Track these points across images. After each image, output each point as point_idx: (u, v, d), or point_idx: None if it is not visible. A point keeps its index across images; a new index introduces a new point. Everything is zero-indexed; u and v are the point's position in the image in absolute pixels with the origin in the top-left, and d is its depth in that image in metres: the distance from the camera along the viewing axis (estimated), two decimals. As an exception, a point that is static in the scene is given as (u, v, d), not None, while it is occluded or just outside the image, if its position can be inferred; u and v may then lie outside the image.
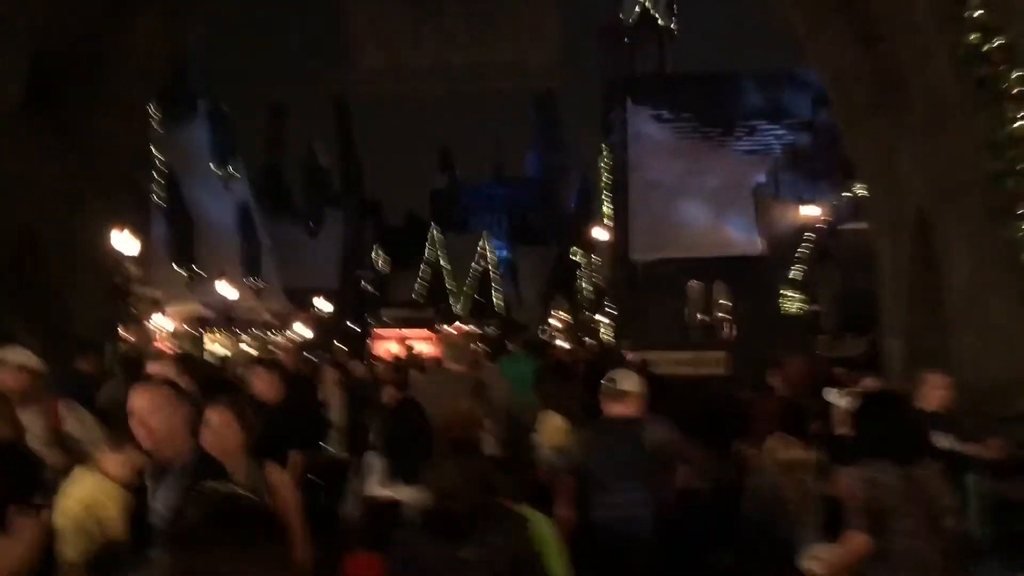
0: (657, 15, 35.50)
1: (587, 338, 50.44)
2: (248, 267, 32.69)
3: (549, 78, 7.89)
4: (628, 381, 4.49)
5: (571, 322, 62.16)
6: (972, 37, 6.25)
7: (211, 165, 32.70)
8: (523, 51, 7.80)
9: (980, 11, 6.16)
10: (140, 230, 23.02)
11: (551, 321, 64.12)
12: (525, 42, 7.81)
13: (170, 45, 9.34)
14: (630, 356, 14.66)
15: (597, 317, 44.67)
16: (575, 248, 63.13)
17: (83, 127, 8.76)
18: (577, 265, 61.15)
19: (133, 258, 20.81)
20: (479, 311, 57.88)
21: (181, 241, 27.57)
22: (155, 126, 23.35)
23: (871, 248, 9.25)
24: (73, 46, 8.27)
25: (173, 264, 26.90)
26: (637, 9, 34.91)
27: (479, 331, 52.81)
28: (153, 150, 23.61)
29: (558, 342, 53.30)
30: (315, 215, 47.45)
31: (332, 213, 47.49)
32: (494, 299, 62.10)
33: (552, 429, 5.54)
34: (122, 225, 15.11)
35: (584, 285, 55.88)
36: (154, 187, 24.14)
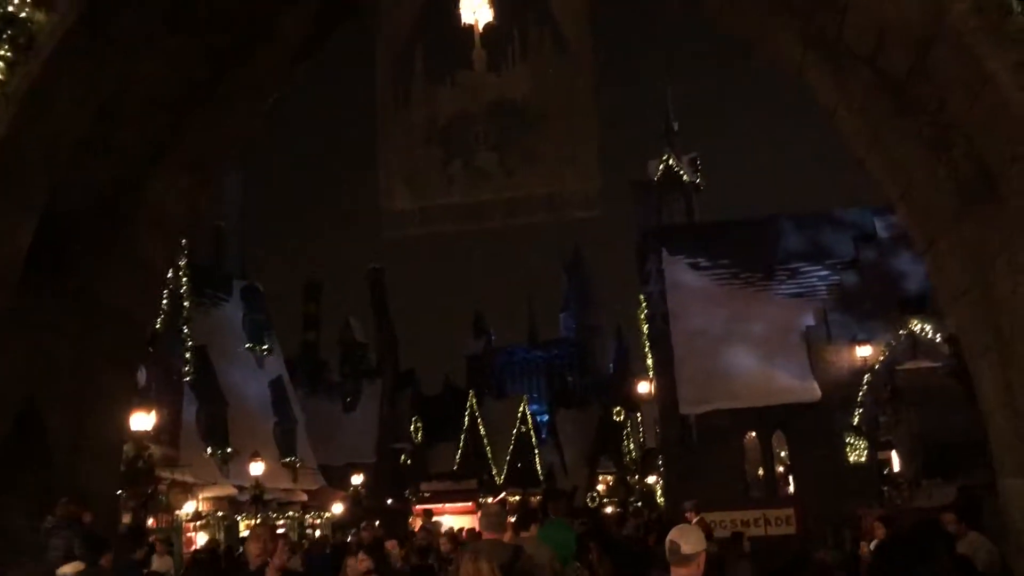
0: (681, 171, 35.82)
1: (636, 501, 48.26)
2: (283, 446, 31.73)
3: (586, 208, 7.21)
4: (691, 542, 4.23)
5: (618, 485, 59.85)
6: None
7: (245, 344, 32.46)
8: (558, 181, 7.17)
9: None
10: (170, 411, 22.43)
11: (598, 487, 61.85)
12: (560, 172, 7.18)
13: (190, 207, 8.87)
14: (693, 519, 13.37)
15: (649, 479, 42.70)
16: (618, 408, 61.72)
17: (95, 295, 8.15)
18: (621, 425, 59.49)
19: (161, 440, 20.10)
20: (521, 479, 55.97)
21: (213, 422, 26.84)
22: (185, 304, 23.16)
23: (969, 377, 8.15)
24: (84, 206, 7.79)
25: (206, 446, 26.06)
26: (661, 167, 35.31)
27: (520, 500, 50.88)
28: (185, 329, 23.33)
29: (608, 509, 51.12)
30: (352, 390, 46.85)
31: (368, 387, 46.91)
32: (537, 465, 60.11)
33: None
34: (143, 404, 14.45)
35: (630, 446, 54.03)
36: (186, 367, 23.70)
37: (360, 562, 6.61)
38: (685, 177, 35.23)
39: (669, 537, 4.29)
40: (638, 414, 49.20)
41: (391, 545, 8.11)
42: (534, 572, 5.95)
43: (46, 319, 7.85)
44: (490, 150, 7.52)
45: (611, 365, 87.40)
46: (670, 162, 35.27)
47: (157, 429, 20.14)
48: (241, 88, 8.63)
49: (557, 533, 7.75)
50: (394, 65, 7.77)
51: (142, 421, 14.11)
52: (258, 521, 25.73)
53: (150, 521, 18.79)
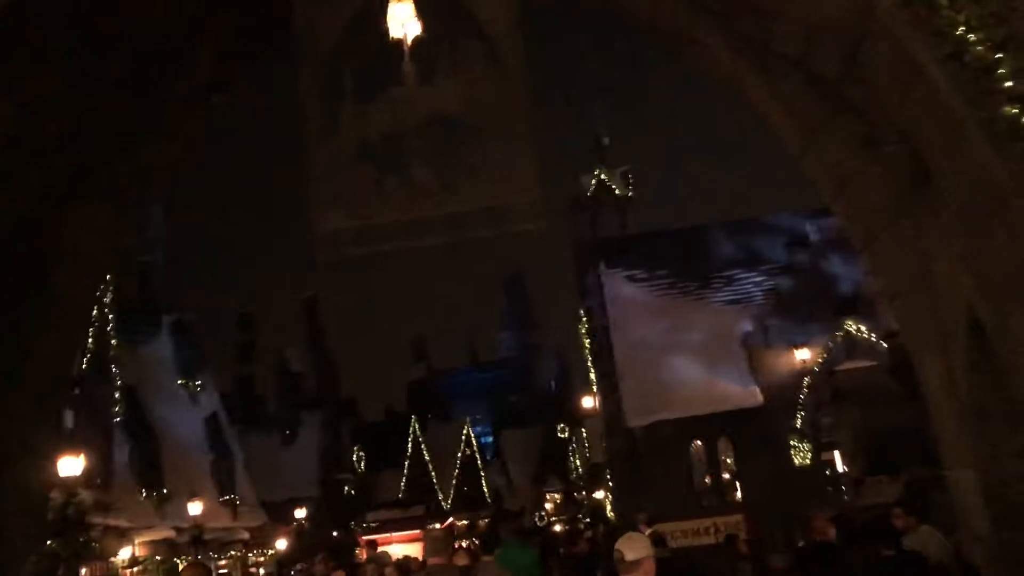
0: (613, 185, 36.15)
1: (585, 518, 48.15)
2: (221, 484, 30.81)
3: (529, 219, 7.04)
4: (634, 549, 4.45)
5: (566, 502, 59.75)
6: (1009, 110, 5.51)
7: (177, 380, 31.49)
8: (498, 194, 6.99)
9: (1012, 81, 5.46)
10: (101, 454, 21.53)
11: (546, 505, 61.66)
12: (499, 185, 7.01)
13: (111, 242, 8.44)
14: (646, 531, 13.32)
15: (597, 494, 42.64)
16: (562, 425, 61.71)
17: (13, 336, 7.68)
18: (566, 442, 59.44)
19: (92, 484, 19.23)
20: (468, 502, 55.45)
21: (147, 462, 25.88)
22: (112, 342, 22.32)
23: (909, 373, 8.21)
24: (-3, 244, 7.34)
25: (140, 488, 25.11)
26: (594, 182, 35.59)
27: (468, 524, 50.35)
28: (113, 367, 22.47)
29: (556, 527, 50.89)
30: (290, 422, 45.89)
31: (308, 418, 46.03)
32: (484, 488, 59.61)
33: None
34: (70, 447, 13.76)
35: (577, 462, 53.98)
36: (115, 407, 22.80)
37: None
38: (617, 191, 35.58)
39: (616, 546, 4.48)
40: (583, 429, 49.20)
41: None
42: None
43: (-41, 363, 7.36)
44: (426, 165, 7.30)
45: (553, 383, 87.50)
46: (602, 176, 35.59)
47: (87, 473, 19.27)
48: (157, 117, 8.26)
49: (516, 554, 7.84)
50: (318, 86, 7.51)
51: (70, 466, 13.42)
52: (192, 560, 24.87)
53: (83, 571, 17.94)
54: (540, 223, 7.26)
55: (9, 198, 7.79)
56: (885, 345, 21.27)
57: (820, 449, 21.99)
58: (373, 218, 7.37)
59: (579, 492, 56.63)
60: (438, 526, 39.28)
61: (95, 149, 8.06)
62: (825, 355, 21.89)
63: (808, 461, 21.68)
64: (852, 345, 21.86)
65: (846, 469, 21.45)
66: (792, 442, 21.73)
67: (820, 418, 22.05)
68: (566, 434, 61.48)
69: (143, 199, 9.12)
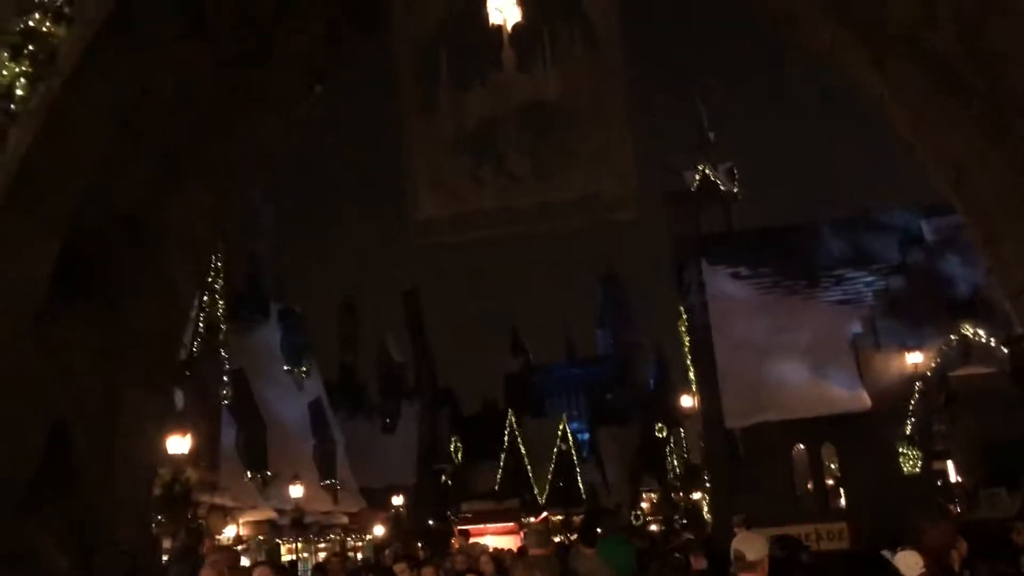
0: (718, 180, 35.26)
1: (681, 519, 47.35)
2: (323, 469, 31.56)
3: (623, 209, 6.87)
4: (755, 549, 4.47)
5: (663, 502, 58.91)
6: None
7: (283, 366, 32.41)
8: (593, 183, 6.84)
9: None
10: (208, 435, 22.34)
11: (642, 504, 60.98)
12: (595, 173, 6.86)
13: (215, 225, 8.68)
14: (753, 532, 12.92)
15: (694, 496, 41.86)
16: (660, 424, 60.82)
17: (122, 316, 7.98)
18: (664, 442, 58.55)
19: (200, 464, 19.95)
20: (563, 498, 55.27)
21: (252, 445, 26.73)
22: (222, 327, 23.12)
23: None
24: (109, 227, 7.63)
25: (245, 470, 25.95)
26: (698, 177, 34.80)
27: (562, 519, 50.12)
28: (222, 352, 23.29)
29: (652, 526, 50.25)
30: (391, 410, 46.63)
31: (407, 407, 46.67)
32: (579, 484, 59.35)
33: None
34: (180, 427, 14.29)
35: (674, 462, 53.16)
36: (224, 390, 23.63)
37: None
38: (722, 187, 34.70)
39: (733, 546, 4.49)
40: (681, 429, 48.38)
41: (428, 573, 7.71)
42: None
43: (73, 341, 7.68)
44: (521, 153, 7.22)
45: (651, 381, 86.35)
46: (706, 171, 34.77)
47: (195, 453, 20.04)
48: (260, 103, 8.45)
49: (616, 549, 8.20)
50: (417, 73, 7.52)
51: (178, 444, 13.95)
52: (221, 546, 25.49)
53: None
54: (635, 212, 7.10)
55: (119, 182, 8.11)
56: (1005, 350, 20.10)
57: (931, 457, 20.95)
58: (468, 205, 7.35)
59: (676, 493, 55.74)
60: (534, 520, 39.33)
61: (198, 133, 8.31)
62: (938, 359, 20.83)
63: (917, 470, 20.68)
64: (968, 350, 20.72)
65: (959, 479, 20.37)
66: (900, 449, 20.76)
67: (932, 425, 21.00)
68: (664, 434, 60.56)
69: (247, 185, 9.35)
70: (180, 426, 14.11)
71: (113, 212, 7.85)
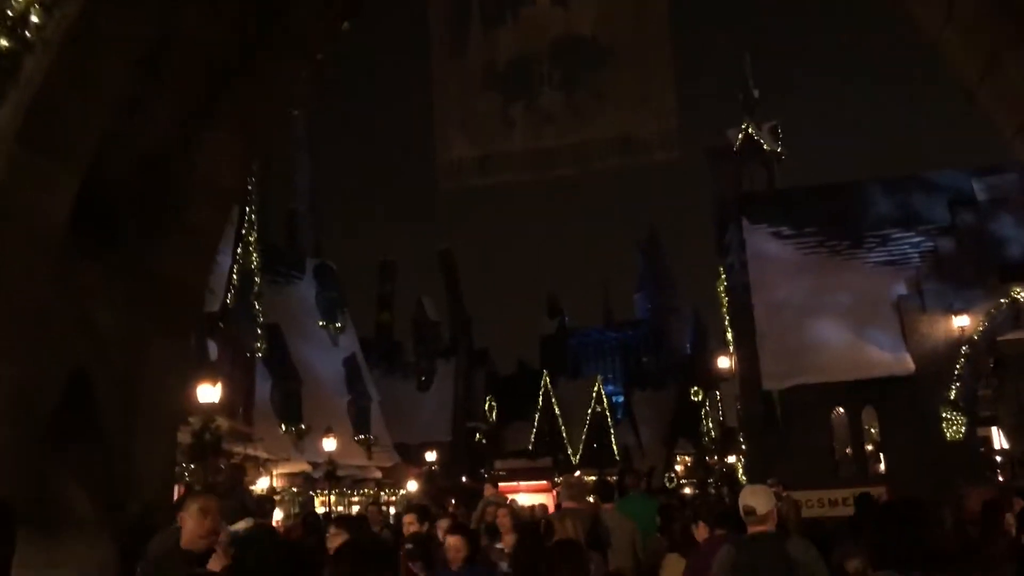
0: (762, 140, 34.43)
1: (717, 482, 47.12)
2: (357, 424, 31.74)
3: (663, 149, 6.49)
4: (764, 503, 4.53)
5: (697, 465, 58.80)
6: None
7: (319, 322, 32.53)
8: (632, 122, 6.47)
9: None
10: (243, 387, 22.48)
11: (676, 467, 60.93)
12: (633, 112, 6.49)
13: (241, 170, 8.43)
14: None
15: (729, 459, 41.55)
16: (695, 388, 60.52)
17: (144, 262, 7.79)
18: (699, 406, 58.24)
19: (234, 415, 20.07)
20: (597, 459, 55.36)
21: (287, 398, 26.89)
22: (256, 279, 23.11)
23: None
24: (130, 170, 7.41)
25: (280, 423, 26.14)
26: (741, 136, 33.97)
27: (596, 479, 50.09)
28: (256, 304, 23.32)
29: (686, 489, 50.16)
30: (426, 369, 46.82)
31: (443, 366, 46.83)
32: (613, 446, 59.40)
33: (677, 571, 5.62)
34: (210, 376, 14.27)
35: (709, 425, 52.88)
36: (258, 343, 23.71)
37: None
38: (766, 146, 33.89)
39: (742, 501, 4.56)
40: (717, 392, 47.98)
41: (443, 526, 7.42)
42: (611, 535, 6.61)
43: (93, 287, 7.51)
44: (555, 90, 6.87)
45: (688, 345, 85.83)
46: (750, 130, 33.95)
47: (229, 404, 20.15)
48: (287, 43, 8.12)
49: (637, 506, 8.39)
50: (447, 7, 7.16)
51: (208, 393, 13.93)
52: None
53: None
54: (674, 153, 6.73)
55: (141, 127, 7.87)
56: (1058, 315, 19.43)
57: (975, 424, 20.39)
58: (497, 146, 7.03)
59: (711, 456, 55.54)
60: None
61: (223, 73, 8.03)
62: (986, 323, 20.18)
63: (961, 436, 20.15)
64: (1018, 314, 20.04)
65: (1007, 446, 19.81)
66: (944, 415, 20.23)
67: (976, 390, 20.41)
68: (699, 397, 60.29)
69: (275, 126, 9.10)
70: (211, 376, 14.08)
71: (136, 155, 7.61)
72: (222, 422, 14.53)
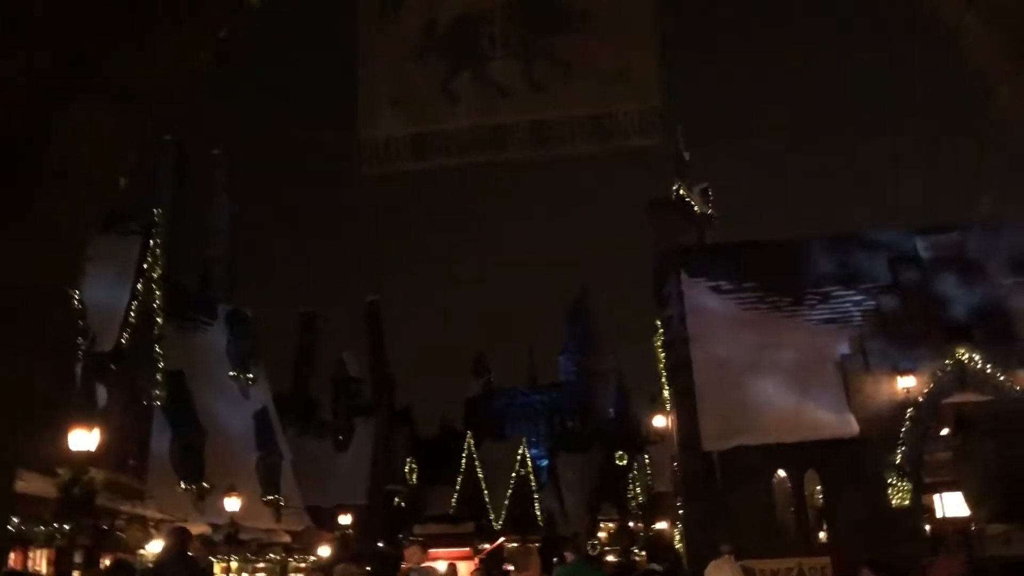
0: (692, 201, 34.09)
1: (641, 550, 45.73)
2: (266, 482, 29.41)
3: (642, 133, 5.23)
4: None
5: (620, 532, 57.46)
6: None
7: (228, 371, 30.31)
8: (605, 99, 5.19)
9: None
10: (136, 438, 20.27)
11: (599, 534, 59.56)
12: (607, 87, 5.22)
13: (114, 155, 6.83)
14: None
15: (658, 525, 40.24)
16: (620, 452, 59.57)
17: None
18: (624, 470, 57.15)
19: (125, 469, 17.87)
20: (520, 524, 53.55)
21: (189, 453, 24.58)
22: (158, 320, 21.09)
23: None
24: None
25: (179, 479, 23.80)
26: (673, 198, 33.59)
27: (518, 546, 48.22)
28: (157, 347, 21.22)
29: (609, 557, 48.60)
30: (344, 428, 44.62)
31: (362, 425, 44.74)
32: (536, 511, 57.65)
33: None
34: (85, 420, 12.32)
35: (636, 490, 51.68)
36: (156, 390, 21.52)
37: None
38: (696, 208, 33.50)
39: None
40: (646, 456, 46.87)
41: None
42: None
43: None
44: (511, 58, 5.57)
45: (611, 410, 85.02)
46: (680, 192, 33.56)
47: (116, 456, 17.98)
48: (178, 10, 6.59)
49: (583, 573, 8.46)
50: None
51: (82, 440, 11.91)
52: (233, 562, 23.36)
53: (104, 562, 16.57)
54: (656, 138, 5.49)
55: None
56: (1002, 378, 18.85)
57: (921, 490, 19.54)
58: (437, 124, 5.68)
59: (636, 522, 54.30)
60: (487, 546, 37.43)
61: (95, 41, 6.53)
62: (932, 384, 19.50)
63: (907, 502, 19.25)
64: (964, 375, 19.43)
65: (957, 514, 18.95)
66: (890, 480, 19.32)
67: (922, 454, 19.62)
68: (624, 462, 59.28)
69: (160, 108, 7.53)
70: (86, 420, 12.12)
71: None
72: (96, 474, 12.54)
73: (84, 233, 7.70)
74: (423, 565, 8.53)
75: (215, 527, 23.40)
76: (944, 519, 20.26)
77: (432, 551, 26.01)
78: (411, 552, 8.52)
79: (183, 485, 23.72)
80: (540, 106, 5.56)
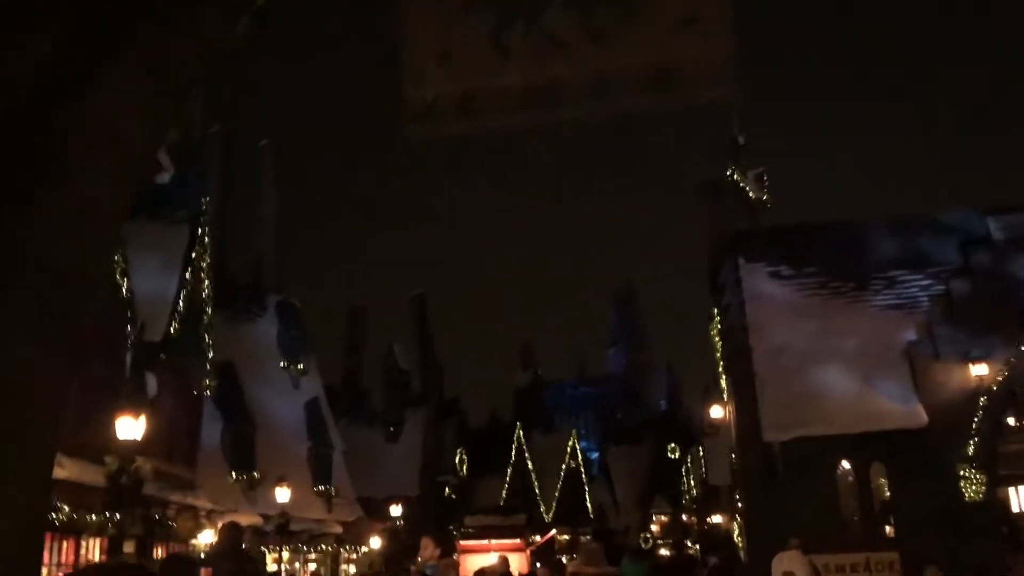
0: (747, 187, 33.09)
1: (694, 543, 44.92)
2: (317, 473, 29.34)
3: (714, 84, 4.70)
4: (804, 570, 3.77)
5: (673, 525, 56.73)
6: None
7: (279, 363, 30.27)
8: (670, 48, 4.64)
9: None
10: (187, 428, 20.23)
11: (652, 527, 58.85)
12: (673, 35, 4.67)
13: (152, 128, 6.48)
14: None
15: (714, 519, 39.43)
16: (672, 444, 58.79)
17: (14, 240, 5.77)
18: (677, 463, 56.35)
19: (174, 459, 17.79)
20: (571, 517, 53.09)
21: (240, 443, 24.54)
22: (208, 310, 20.99)
23: None
24: (2, 114, 5.46)
25: (230, 470, 23.77)
26: (728, 179, 32.64)
27: (569, 539, 47.76)
28: (206, 337, 21.13)
29: (662, 551, 47.91)
30: (395, 419, 44.57)
31: (412, 416, 44.63)
32: (587, 503, 57.12)
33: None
34: (132, 407, 12.13)
35: (691, 483, 50.82)
36: (207, 380, 21.45)
37: None
38: (752, 194, 32.55)
39: (780, 568, 4.61)
40: (700, 448, 46.04)
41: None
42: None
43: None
44: (567, 8, 5.04)
45: (662, 402, 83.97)
46: (734, 177, 32.65)
47: (167, 446, 17.91)
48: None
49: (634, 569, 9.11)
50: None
51: (129, 428, 11.73)
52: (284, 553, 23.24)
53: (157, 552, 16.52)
54: (730, 88, 4.96)
55: (22, 53, 5.96)
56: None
57: (996, 483, 18.58)
58: (486, 80, 5.21)
59: (689, 516, 53.48)
60: (539, 538, 37.02)
61: (128, 11, 6.20)
62: (1007, 372, 18.51)
63: (980, 496, 18.32)
64: (1042, 361, 18.41)
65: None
66: (961, 472, 18.40)
67: (996, 446, 18.65)
68: (676, 455, 58.48)
69: (191, 86, 7.15)
70: (133, 408, 11.93)
71: (9, 98, 5.58)
72: (144, 463, 12.36)
73: (121, 211, 7.42)
74: (437, 562, 7.82)
75: (266, 518, 23.36)
76: (1021, 513, 19.26)
77: (483, 543, 25.72)
78: (424, 543, 7.67)
79: (234, 475, 23.68)
80: (600, 57, 5.07)
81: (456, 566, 10.36)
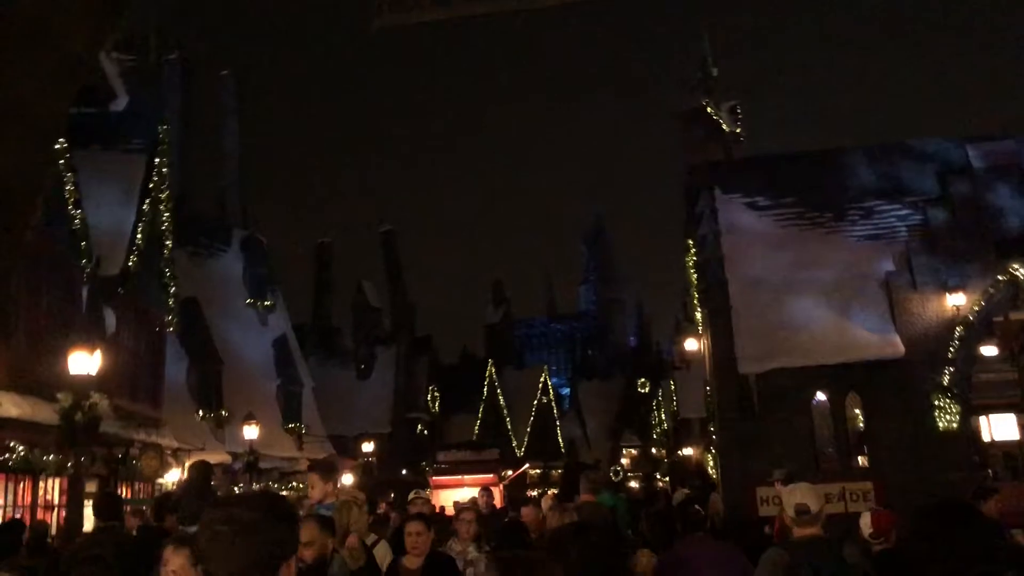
0: (720, 120, 32.49)
1: (663, 475, 45.49)
2: (287, 411, 28.94)
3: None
4: (816, 501, 4.24)
5: (643, 458, 57.51)
6: None
7: (245, 299, 29.59)
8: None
9: None
10: (150, 365, 19.62)
11: (622, 460, 59.69)
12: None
13: (96, 24, 5.82)
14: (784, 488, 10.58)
15: (685, 451, 39.74)
16: (642, 379, 59.19)
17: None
18: (646, 398, 56.80)
19: (138, 398, 17.20)
20: (542, 451, 53.60)
21: (206, 381, 24.00)
22: (167, 243, 20.19)
23: None
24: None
25: (197, 408, 23.26)
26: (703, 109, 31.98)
27: (541, 472, 48.17)
28: (168, 272, 20.37)
29: (632, 483, 48.47)
30: (365, 356, 44.23)
31: (383, 354, 44.33)
32: (559, 438, 57.61)
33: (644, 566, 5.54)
34: (85, 342, 11.52)
35: (661, 416, 51.26)
36: (170, 317, 20.76)
37: None
38: (725, 127, 32.02)
39: (791, 500, 4.26)
40: (672, 382, 46.29)
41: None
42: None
43: None
44: None
45: (632, 338, 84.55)
46: (708, 110, 32.06)
47: (129, 384, 17.33)
48: None
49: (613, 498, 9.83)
50: None
51: (83, 363, 11.10)
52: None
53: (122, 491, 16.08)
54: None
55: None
56: (1059, 293, 17.73)
57: (969, 412, 18.60)
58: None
59: (659, 449, 54.16)
60: (511, 472, 37.16)
61: None
62: (983, 302, 18.38)
63: (955, 426, 18.31)
64: (1017, 292, 18.29)
65: (1020, 436, 18.10)
66: (936, 402, 18.36)
67: (971, 375, 18.62)
68: (647, 389, 58.92)
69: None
70: (87, 342, 11.28)
71: None
72: (100, 399, 11.79)
73: (57, 117, 6.72)
74: (331, 500, 5.19)
75: (235, 456, 22.99)
76: (992, 442, 19.38)
77: (456, 478, 25.56)
78: (311, 481, 5.66)
79: (200, 414, 23.20)
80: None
81: (428, 500, 10.11)
